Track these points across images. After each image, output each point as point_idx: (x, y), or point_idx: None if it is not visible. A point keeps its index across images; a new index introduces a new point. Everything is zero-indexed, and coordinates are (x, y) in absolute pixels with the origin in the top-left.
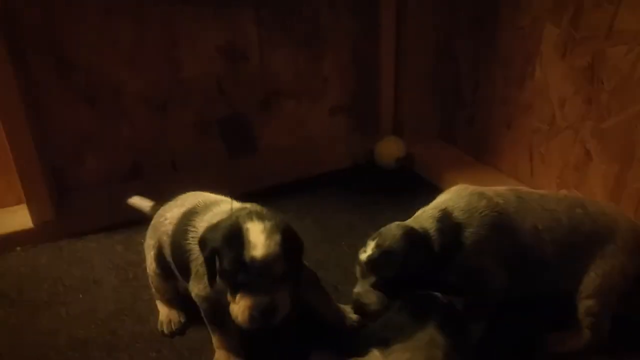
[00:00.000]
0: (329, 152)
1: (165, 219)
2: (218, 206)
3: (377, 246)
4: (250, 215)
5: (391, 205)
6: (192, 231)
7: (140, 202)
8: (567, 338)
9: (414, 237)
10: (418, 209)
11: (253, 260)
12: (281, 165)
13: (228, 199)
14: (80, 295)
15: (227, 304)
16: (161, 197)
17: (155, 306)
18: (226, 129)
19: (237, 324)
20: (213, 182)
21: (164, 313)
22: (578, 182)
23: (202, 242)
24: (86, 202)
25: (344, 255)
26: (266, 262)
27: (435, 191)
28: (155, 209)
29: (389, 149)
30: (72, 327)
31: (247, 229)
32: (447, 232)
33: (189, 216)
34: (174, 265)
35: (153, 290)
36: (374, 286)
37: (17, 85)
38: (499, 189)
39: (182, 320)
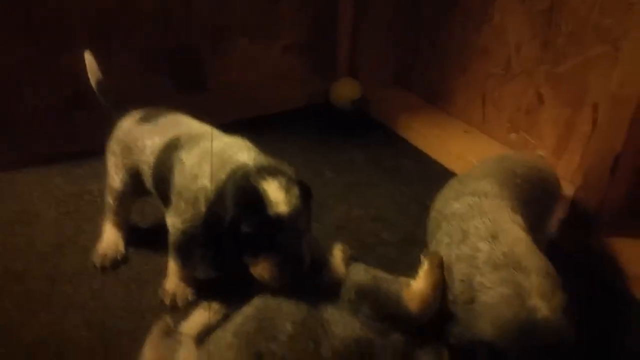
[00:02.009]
0: (283, 92)
1: (145, 147)
2: (205, 141)
3: None
4: (262, 173)
5: (346, 145)
6: (178, 164)
7: (93, 67)
8: None
9: None
10: (372, 150)
11: (279, 218)
12: (233, 103)
13: (209, 128)
14: (18, 229)
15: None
16: (103, 130)
17: (99, 237)
18: (175, 62)
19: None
20: None
21: (106, 242)
22: (528, 126)
23: (215, 214)
24: (23, 133)
25: None
26: (291, 217)
27: (388, 134)
28: (102, 85)
29: (345, 91)
30: (10, 260)
31: (265, 189)
32: None
33: (173, 148)
34: (154, 192)
35: (105, 209)
36: None
37: None
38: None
39: (122, 250)
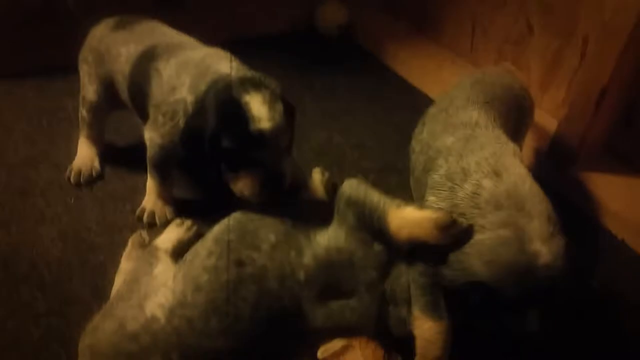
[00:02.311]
0: (264, 13)
1: (120, 55)
2: (183, 51)
3: None
4: (245, 86)
5: (329, 72)
6: (155, 75)
7: None
8: None
9: None
10: (355, 77)
11: (261, 134)
12: (213, 23)
13: (188, 39)
14: None
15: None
16: (76, 45)
17: (73, 153)
18: None
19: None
20: None
21: (80, 158)
22: (516, 58)
23: (194, 127)
24: None
25: None
26: (274, 134)
27: (373, 61)
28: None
29: (331, 14)
30: None
31: (247, 102)
32: None
33: (150, 58)
34: (130, 104)
35: (80, 123)
36: None
37: None
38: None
39: (97, 166)
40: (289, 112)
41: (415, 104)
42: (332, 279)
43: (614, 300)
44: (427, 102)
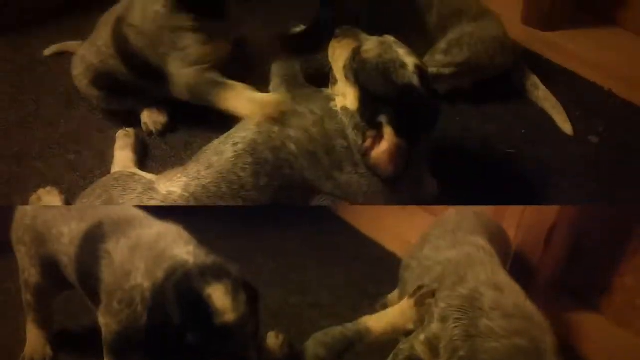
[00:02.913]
0: None
1: (62, 234)
2: (133, 229)
3: None
4: (205, 277)
5: (277, 227)
6: (105, 257)
7: None
8: None
9: None
10: (305, 230)
11: (225, 327)
12: None
13: (135, 212)
14: None
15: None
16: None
17: (24, 340)
18: None
19: None
20: None
21: (31, 346)
22: None
23: (158, 323)
24: None
25: None
26: (238, 326)
27: (322, 212)
28: None
29: None
30: None
31: (209, 295)
32: None
33: (97, 238)
34: (79, 287)
35: (25, 308)
36: None
37: None
38: None
39: (50, 352)
40: (253, 298)
41: (369, 254)
42: None
43: None
44: (380, 251)
